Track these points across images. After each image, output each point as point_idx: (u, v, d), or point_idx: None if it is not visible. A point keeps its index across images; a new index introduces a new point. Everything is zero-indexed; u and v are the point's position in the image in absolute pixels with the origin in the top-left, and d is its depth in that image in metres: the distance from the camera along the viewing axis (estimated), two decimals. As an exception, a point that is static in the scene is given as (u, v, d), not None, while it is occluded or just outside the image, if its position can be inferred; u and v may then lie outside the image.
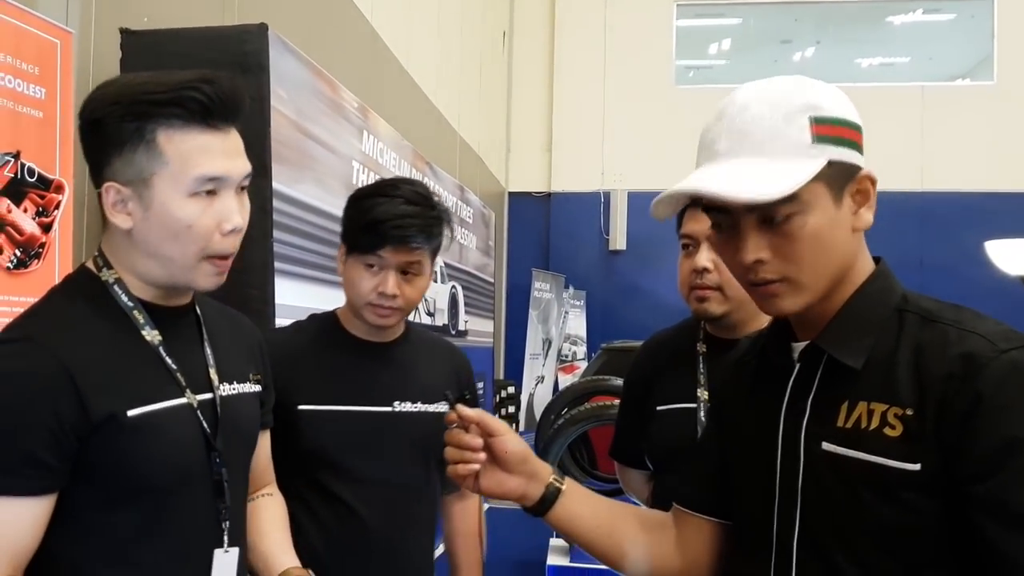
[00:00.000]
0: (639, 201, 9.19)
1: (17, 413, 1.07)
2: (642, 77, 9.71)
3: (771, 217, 1.05)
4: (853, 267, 1.10)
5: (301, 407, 1.69)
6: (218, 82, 1.16)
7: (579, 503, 1.29)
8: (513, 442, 1.27)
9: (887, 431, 1.02)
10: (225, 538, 1.25)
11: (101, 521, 1.14)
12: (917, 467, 1.00)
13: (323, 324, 1.82)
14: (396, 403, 1.75)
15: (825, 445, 1.07)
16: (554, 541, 4.37)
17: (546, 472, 1.29)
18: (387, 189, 1.73)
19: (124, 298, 1.19)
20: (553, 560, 4.05)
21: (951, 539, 1.01)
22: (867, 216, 1.08)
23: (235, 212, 1.18)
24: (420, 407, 1.76)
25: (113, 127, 1.13)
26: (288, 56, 2.59)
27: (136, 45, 2.34)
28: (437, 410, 1.74)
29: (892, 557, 1.03)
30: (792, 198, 1.02)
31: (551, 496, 1.28)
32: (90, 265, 1.23)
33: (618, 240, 9.58)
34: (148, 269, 1.20)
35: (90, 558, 1.14)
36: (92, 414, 1.10)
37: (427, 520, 1.83)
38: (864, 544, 1.04)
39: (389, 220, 1.66)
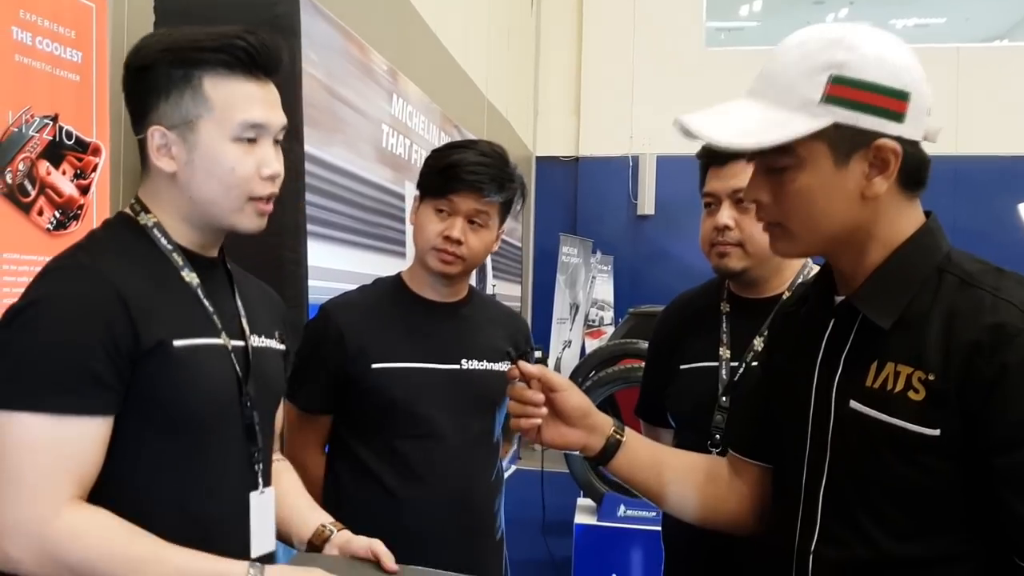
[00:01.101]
0: (668, 165, 9.10)
1: (78, 333, 1.10)
2: (672, 39, 9.55)
3: (772, 165, 1.07)
4: (876, 229, 1.09)
5: (375, 366, 1.75)
6: (259, 35, 1.22)
7: (639, 453, 1.34)
8: (575, 397, 1.32)
9: (911, 394, 1.03)
10: (260, 480, 1.28)
11: (140, 451, 1.16)
12: (936, 432, 1.01)
13: (389, 286, 1.88)
14: (463, 361, 1.80)
15: (852, 403, 1.08)
16: (581, 501, 4.42)
17: (607, 425, 1.34)
18: (465, 142, 1.83)
19: (163, 241, 1.24)
20: (580, 519, 4.10)
21: (966, 503, 1.02)
22: (880, 185, 1.06)
23: (273, 159, 1.24)
24: (486, 365, 1.81)
25: (162, 73, 1.19)
26: (319, 19, 2.60)
27: (169, 8, 2.36)
28: (501, 368, 1.79)
29: (908, 516, 1.04)
30: (787, 151, 1.04)
31: (611, 448, 1.33)
32: (127, 211, 1.27)
33: (646, 205, 9.50)
34: (190, 211, 1.24)
35: (129, 486, 1.15)
36: (143, 340, 1.13)
37: (493, 474, 1.86)
38: (882, 501, 1.06)
39: (463, 166, 1.73)
